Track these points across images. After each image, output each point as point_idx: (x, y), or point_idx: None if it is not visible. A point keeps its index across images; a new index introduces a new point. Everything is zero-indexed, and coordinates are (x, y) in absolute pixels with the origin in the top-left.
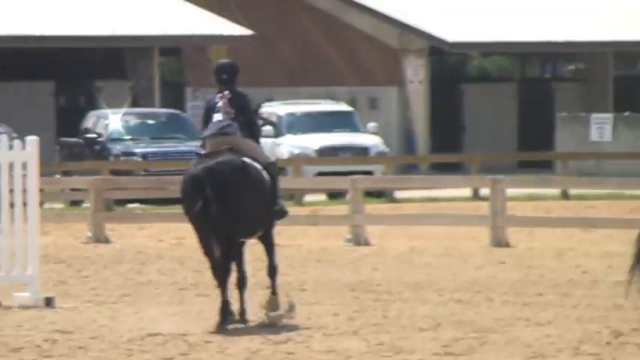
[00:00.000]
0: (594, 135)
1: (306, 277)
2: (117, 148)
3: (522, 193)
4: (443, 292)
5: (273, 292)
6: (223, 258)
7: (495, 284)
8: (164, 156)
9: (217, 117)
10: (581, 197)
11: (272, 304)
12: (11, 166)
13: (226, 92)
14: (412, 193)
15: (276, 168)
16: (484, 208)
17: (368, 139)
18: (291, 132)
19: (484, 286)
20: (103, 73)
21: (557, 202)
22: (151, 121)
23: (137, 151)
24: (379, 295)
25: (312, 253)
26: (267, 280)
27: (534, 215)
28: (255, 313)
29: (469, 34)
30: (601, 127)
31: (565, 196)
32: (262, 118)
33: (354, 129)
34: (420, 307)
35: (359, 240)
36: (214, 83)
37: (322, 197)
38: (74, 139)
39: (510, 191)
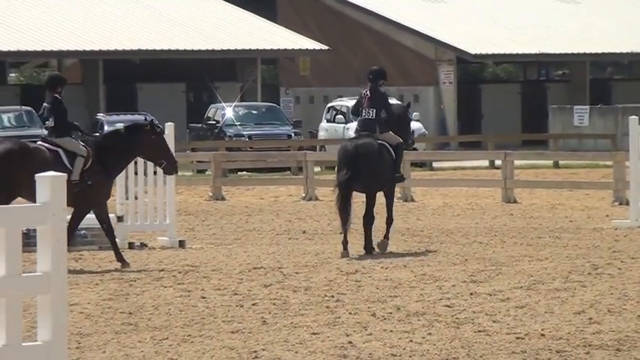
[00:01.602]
0: (576, 121)
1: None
2: (230, 131)
3: (525, 164)
4: (468, 236)
5: (385, 237)
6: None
7: (506, 230)
8: (264, 137)
9: (363, 113)
10: (567, 166)
11: (382, 245)
12: None
13: (366, 91)
14: (445, 163)
15: (402, 147)
16: (498, 174)
17: (413, 124)
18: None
19: (498, 232)
20: (221, 76)
21: (551, 170)
22: (254, 112)
23: (245, 133)
24: (422, 239)
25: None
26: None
27: (534, 179)
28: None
29: (486, 48)
30: (581, 115)
31: (556, 165)
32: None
33: None
34: (452, 247)
35: (407, 197)
36: (301, 84)
37: None
38: (199, 125)
39: (516, 162)
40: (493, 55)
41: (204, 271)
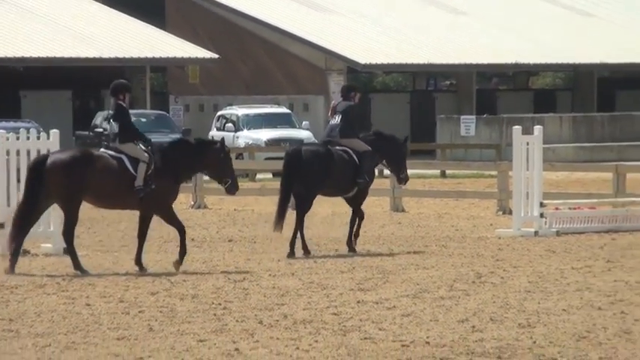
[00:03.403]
0: (463, 131)
1: (256, 233)
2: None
3: (413, 173)
4: (356, 245)
5: (355, 235)
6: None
7: (394, 239)
8: None
9: (332, 120)
10: (453, 176)
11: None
12: (39, 152)
13: (334, 102)
14: None
15: (368, 154)
16: (386, 183)
17: (303, 133)
18: (246, 128)
19: (386, 240)
20: (109, 84)
21: (438, 180)
22: (143, 120)
23: None
24: (310, 247)
25: (261, 215)
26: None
27: (422, 189)
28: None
29: (375, 58)
30: (468, 125)
31: (443, 175)
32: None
33: (292, 126)
34: (340, 255)
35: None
36: (191, 92)
37: (269, 175)
38: (86, 133)
39: None
40: (382, 65)
41: (90, 278)
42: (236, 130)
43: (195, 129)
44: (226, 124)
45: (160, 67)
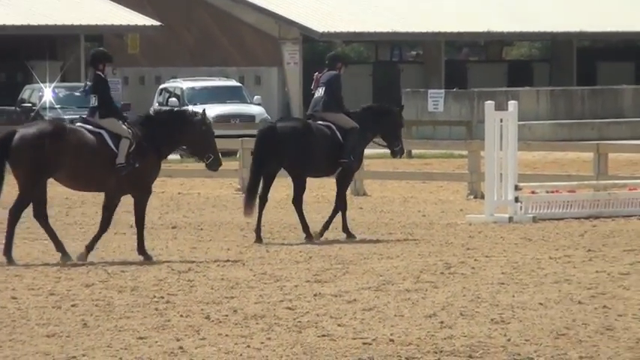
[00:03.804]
0: (430, 107)
1: (203, 219)
2: (49, 115)
3: (375, 153)
4: (312, 231)
5: (344, 229)
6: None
7: (355, 225)
8: None
9: (316, 93)
10: (420, 156)
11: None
12: None
13: (317, 73)
14: None
15: (355, 132)
16: None
17: (254, 108)
18: (192, 103)
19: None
20: (39, 54)
21: (403, 160)
22: (77, 94)
23: (66, 117)
24: (263, 234)
25: (208, 199)
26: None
27: (385, 170)
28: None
29: (334, 26)
30: (436, 100)
31: (409, 155)
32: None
33: (243, 101)
34: (296, 244)
35: None
36: (130, 63)
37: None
38: (12, 108)
39: (366, 151)
40: (342, 34)
41: (17, 268)
42: (180, 106)
43: (135, 103)
44: (169, 99)
45: (96, 35)
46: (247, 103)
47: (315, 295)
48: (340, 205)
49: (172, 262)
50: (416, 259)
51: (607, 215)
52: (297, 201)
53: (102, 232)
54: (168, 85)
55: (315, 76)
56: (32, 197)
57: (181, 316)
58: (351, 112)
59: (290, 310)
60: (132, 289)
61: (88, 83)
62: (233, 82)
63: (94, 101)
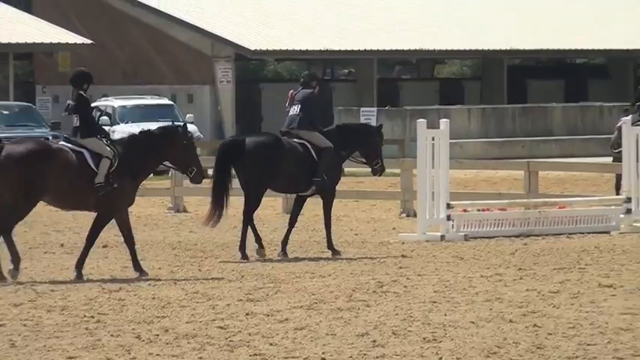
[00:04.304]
0: None
1: (135, 239)
2: None
3: None
4: (247, 251)
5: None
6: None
7: (287, 244)
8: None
9: (291, 111)
10: (353, 174)
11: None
12: None
13: (292, 91)
14: None
15: (329, 151)
16: None
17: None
18: (123, 121)
19: (278, 246)
20: None
21: None
22: (5, 112)
23: None
24: (195, 253)
25: (140, 218)
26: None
27: None
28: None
29: (266, 44)
30: (368, 118)
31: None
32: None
33: (175, 119)
34: (228, 263)
35: (178, 208)
36: (60, 82)
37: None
38: None
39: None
40: (274, 52)
41: None
42: (112, 124)
43: (66, 122)
44: (101, 117)
45: (26, 53)
46: (180, 121)
47: (247, 314)
48: (325, 221)
49: (103, 281)
50: (348, 277)
51: (537, 233)
52: (247, 215)
53: (130, 248)
54: (100, 103)
55: (290, 94)
56: (23, 216)
57: (112, 335)
58: (325, 131)
59: (222, 329)
60: (61, 308)
61: (71, 103)
62: (165, 101)
63: (75, 121)
